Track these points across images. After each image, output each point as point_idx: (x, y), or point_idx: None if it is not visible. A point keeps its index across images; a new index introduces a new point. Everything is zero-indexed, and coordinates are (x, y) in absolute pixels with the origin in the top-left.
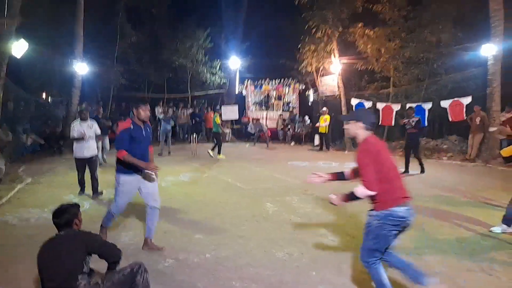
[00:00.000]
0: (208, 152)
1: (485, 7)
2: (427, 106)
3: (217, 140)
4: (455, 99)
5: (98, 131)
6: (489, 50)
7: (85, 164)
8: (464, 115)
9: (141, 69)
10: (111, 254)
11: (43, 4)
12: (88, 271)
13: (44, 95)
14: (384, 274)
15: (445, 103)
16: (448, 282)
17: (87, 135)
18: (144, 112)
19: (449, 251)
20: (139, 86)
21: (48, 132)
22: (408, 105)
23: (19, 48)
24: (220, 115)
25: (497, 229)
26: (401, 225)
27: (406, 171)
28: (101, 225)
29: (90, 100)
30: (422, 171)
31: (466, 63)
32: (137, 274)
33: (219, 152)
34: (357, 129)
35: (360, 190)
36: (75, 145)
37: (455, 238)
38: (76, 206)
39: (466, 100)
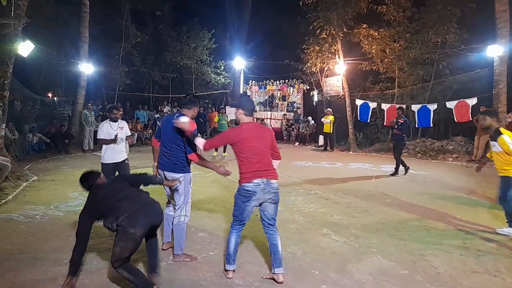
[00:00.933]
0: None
1: (491, 8)
2: (433, 107)
3: None
4: (461, 100)
5: (129, 132)
6: (495, 51)
7: (115, 170)
8: (470, 116)
9: (145, 69)
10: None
11: (49, 5)
12: None
13: (50, 95)
14: (233, 242)
15: (450, 104)
16: (453, 283)
17: (119, 137)
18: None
19: (454, 252)
20: (144, 86)
21: (54, 131)
22: (397, 106)
23: (25, 48)
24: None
25: (504, 230)
26: (252, 198)
27: (396, 172)
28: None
29: (95, 99)
30: (395, 173)
31: (471, 64)
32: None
33: (224, 150)
34: (239, 115)
35: (200, 141)
36: (104, 148)
37: (460, 239)
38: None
39: (472, 101)
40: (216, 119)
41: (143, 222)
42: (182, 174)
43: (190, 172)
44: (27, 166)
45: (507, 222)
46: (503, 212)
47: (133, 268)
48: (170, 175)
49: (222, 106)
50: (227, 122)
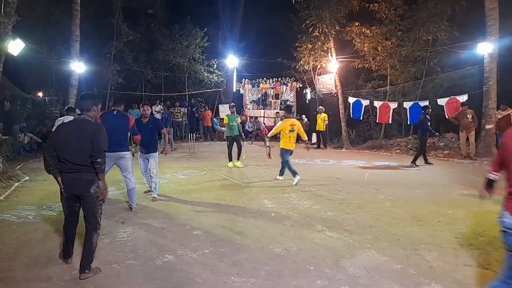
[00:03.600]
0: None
1: (481, 6)
2: (424, 104)
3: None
4: (452, 97)
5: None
6: (485, 48)
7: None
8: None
9: (138, 68)
10: (96, 151)
11: (40, 3)
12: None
13: (40, 94)
14: None
15: (442, 101)
16: (446, 277)
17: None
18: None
19: (447, 246)
20: (136, 85)
21: (45, 130)
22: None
23: (15, 47)
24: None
25: None
26: None
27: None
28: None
29: None
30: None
31: (462, 61)
32: (97, 228)
33: (238, 158)
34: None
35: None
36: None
37: (453, 234)
38: (101, 96)
39: (463, 98)
40: (225, 120)
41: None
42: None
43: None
44: (19, 166)
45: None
46: (494, 206)
47: (65, 231)
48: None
49: (234, 104)
50: (238, 123)
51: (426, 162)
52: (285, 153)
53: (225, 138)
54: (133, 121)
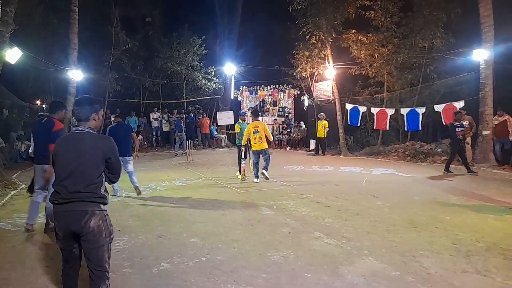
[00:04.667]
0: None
1: (475, 14)
2: (421, 110)
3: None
4: (449, 103)
5: None
6: (480, 55)
7: None
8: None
9: (136, 75)
10: (117, 171)
11: (38, 11)
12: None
13: (38, 102)
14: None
15: (438, 108)
16: (443, 284)
17: None
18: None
19: (444, 252)
20: (134, 93)
21: None
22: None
23: (13, 55)
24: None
25: None
26: None
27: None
28: None
29: None
30: (470, 171)
31: (458, 68)
32: (104, 282)
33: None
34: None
35: None
36: None
37: (450, 240)
38: (101, 101)
39: (459, 104)
40: (237, 128)
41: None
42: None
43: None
44: (15, 174)
45: None
46: (491, 213)
47: (64, 279)
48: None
49: (244, 112)
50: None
51: (446, 170)
52: (252, 153)
53: (237, 146)
54: None
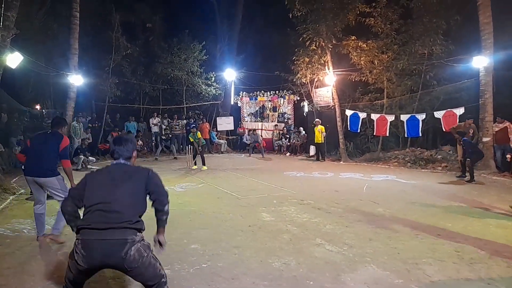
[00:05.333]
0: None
1: (475, 21)
2: (421, 117)
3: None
4: (448, 110)
5: None
6: (480, 62)
7: None
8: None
9: (136, 80)
10: (164, 193)
11: (38, 16)
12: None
13: (38, 107)
14: None
15: (438, 114)
16: None
17: None
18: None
19: (447, 260)
20: (134, 98)
21: None
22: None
23: (13, 60)
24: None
25: None
26: None
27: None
28: None
29: (85, 111)
30: (471, 179)
31: (458, 74)
32: (163, 286)
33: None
34: None
35: None
36: None
37: (453, 247)
38: (135, 139)
39: (459, 111)
40: (199, 135)
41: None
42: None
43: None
44: (14, 179)
45: None
46: (493, 220)
47: None
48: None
49: (194, 125)
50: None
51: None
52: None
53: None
54: None
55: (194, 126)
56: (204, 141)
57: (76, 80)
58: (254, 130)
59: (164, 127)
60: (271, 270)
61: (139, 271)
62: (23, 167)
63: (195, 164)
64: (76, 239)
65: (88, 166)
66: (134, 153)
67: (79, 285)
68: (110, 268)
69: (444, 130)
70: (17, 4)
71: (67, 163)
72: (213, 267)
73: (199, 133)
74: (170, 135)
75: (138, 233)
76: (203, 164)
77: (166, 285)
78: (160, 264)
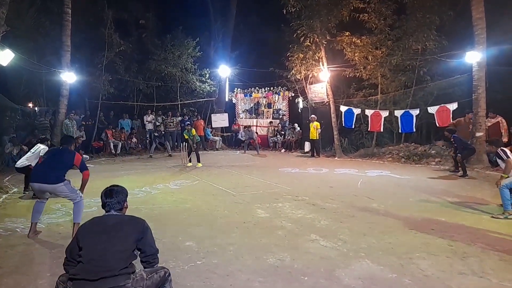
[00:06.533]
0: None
1: (468, 16)
2: (415, 112)
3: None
4: (442, 105)
5: None
6: (473, 57)
7: None
8: (451, 120)
9: (130, 77)
10: (154, 253)
11: (30, 13)
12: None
13: (30, 105)
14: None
15: (432, 109)
16: (440, 285)
17: None
18: None
19: (441, 254)
20: (128, 95)
21: (35, 141)
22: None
23: (4, 57)
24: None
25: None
26: None
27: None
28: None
29: (78, 109)
30: (464, 174)
31: (451, 70)
32: (167, 280)
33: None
34: None
35: None
36: None
37: (446, 242)
38: (125, 190)
39: (453, 106)
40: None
41: None
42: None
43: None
44: (7, 178)
45: None
46: (486, 214)
47: None
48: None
49: (188, 123)
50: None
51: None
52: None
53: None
54: None
55: (188, 124)
56: (198, 138)
57: (69, 77)
58: (249, 126)
59: (158, 124)
60: (266, 266)
61: None
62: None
63: (190, 161)
64: (68, 286)
65: None
66: (126, 204)
67: None
68: None
69: (438, 125)
70: (7, 1)
71: (87, 173)
72: (208, 264)
73: (193, 130)
74: (164, 132)
75: (131, 276)
76: (198, 161)
77: (169, 278)
78: (157, 272)
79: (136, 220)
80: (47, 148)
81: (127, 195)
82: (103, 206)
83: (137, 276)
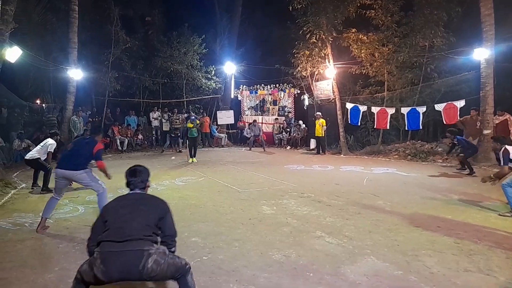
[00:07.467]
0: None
1: (476, 12)
2: (422, 109)
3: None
4: (449, 102)
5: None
6: (481, 54)
7: None
8: (458, 118)
9: (136, 74)
10: (172, 234)
11: (37, 10)
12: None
13: (38, 101)
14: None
15: (439, 107)
16: (446, 283)
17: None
18: None
19: (447, 252)
20: (134, 92)
21: (43, 137)
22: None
23: (12, 54)
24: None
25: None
26: None
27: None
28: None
29: (85, 106)
30: (471, 172)
31: (459, 67)
32: (188, 271)
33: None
34: None
35: None
36: None
37: (452, 239)
38: (148, 169)
39: (460, 103)
40: (190, 125)
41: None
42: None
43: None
44: (15, 174)
45: None
46: (493, 212)
47: None
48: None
49: (194, 117)
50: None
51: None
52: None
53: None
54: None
55: (195, 117)
56: (195, 134)
57: (76, 74)
58: (255, 120)
59: (166, 118)
60: (272, 263)
61: (159, 277)
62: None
63: (194, 157)
64: (95, 252)
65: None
66: (148, 183)
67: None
68: (129, 281)
69: (445, 122)
70: None
71: (100, 163)
72: (214, 259)
73: (189, 123)
74: (179, 134)
75: (154, 245)
76: (190, 156)
77: (190, 271)
78: (178, 258)
79: (159, 200)
80: (55, 143)
81: (149, 175)
82: (128, 185)
83: (160, 249)
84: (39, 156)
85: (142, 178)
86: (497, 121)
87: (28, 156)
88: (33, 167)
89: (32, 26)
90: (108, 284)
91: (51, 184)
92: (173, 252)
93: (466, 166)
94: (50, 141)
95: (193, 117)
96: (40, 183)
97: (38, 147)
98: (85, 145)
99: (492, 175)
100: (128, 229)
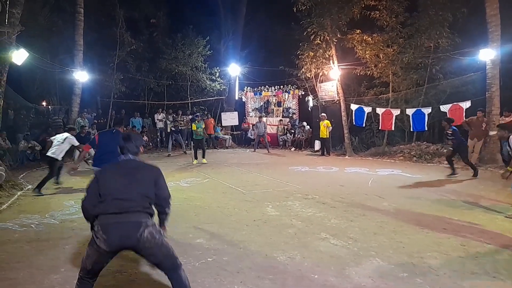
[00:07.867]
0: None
1: (482, 13)
2: (427, 110)
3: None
4: (455, 103)
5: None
6: (487, 55)
7: None
8: (464, 119)
9: (141, 76)
10: (166, 197)
11: (43, 13)
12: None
13: (44, 103)
14: None
15: (444, 108)
16: (452, 285)
17: None
18: None
19: (453, 254)
20: (139, 94)
21: (49, 139)
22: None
23: (19, 56)
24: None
25: None
26: None
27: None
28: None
29: (90, 107)
30: (475, 174)
31: (464, 67)
32: (179, 266)
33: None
34: None
35: None
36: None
37: (458, 241)
38: (141, 136)
39: (466, 105)
40: (194, 127)
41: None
42: None
43: None
44: (22, 175)
45: None
46: (499, 214)
47: None
48: None
49: (197, 115)
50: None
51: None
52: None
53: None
54: None
55: (197, 115)
56: (201, 136)
57: (81, 76)
58: (261, 117)
59: (171, 119)
60: (276, 264)
61: (152, 251)
62: (91, 160)
63: (196, 159)
64: (95, 225)
65: (89, 161)
66: (141, 149)
67: (95, 274)
68: (127, 250)
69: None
70: (22, 1)
71: (87, 146)
72: (219, 261)
73: (194, 125)
74: (180, 128)
75: (150, 217)
76: (195, 157)
77: (181, 268)
78: (172, 249)
79: (152, 166)
80: (74, 138)
81: (142, 141)
82: (121, 150)
83: (156, 226)
84: (57, 157)
85: (137, 143)
86: (503, 122)
87: (50, 153)
88: (49, 166)
89: (38, 28)
90: (109, 254)
91: (47, 191)
92: (167, 214)
93: (450, 165)
94: (69, 136)
95: (198, 114)
96: (62, 179)
97: (56, 142)
98: (117, 137)
99: (509, 168)
100: (127, 202)
